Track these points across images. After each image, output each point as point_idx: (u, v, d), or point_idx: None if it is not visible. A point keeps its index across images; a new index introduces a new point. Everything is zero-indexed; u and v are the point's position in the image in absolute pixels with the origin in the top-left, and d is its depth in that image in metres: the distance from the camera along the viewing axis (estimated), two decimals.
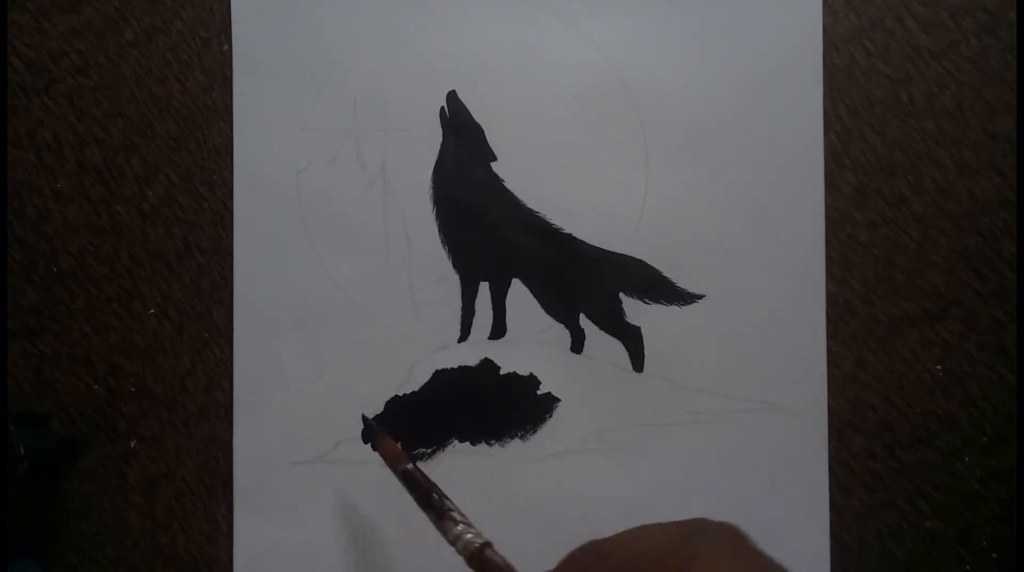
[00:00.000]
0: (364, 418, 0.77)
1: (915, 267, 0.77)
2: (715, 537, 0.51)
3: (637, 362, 0.77)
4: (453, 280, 0.78)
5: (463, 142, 0.77)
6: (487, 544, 0.59)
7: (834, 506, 0.77)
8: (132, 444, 0.78)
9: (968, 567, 0.77)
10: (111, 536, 0.78)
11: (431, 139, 0.78)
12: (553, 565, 0.55)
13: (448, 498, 0.65)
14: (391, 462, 0.69)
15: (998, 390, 0.77)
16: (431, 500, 0.64)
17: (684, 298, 0.77)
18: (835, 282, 0.77)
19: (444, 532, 0.62)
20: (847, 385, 0.77)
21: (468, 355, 0.78)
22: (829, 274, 0.77)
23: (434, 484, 0.66)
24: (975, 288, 0.77)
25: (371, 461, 0.76)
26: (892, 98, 0.77)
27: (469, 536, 0.60)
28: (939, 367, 0.77)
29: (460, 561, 0.65)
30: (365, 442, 0.77)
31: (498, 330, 0.78)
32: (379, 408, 0.77)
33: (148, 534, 0.78)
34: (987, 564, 0.77)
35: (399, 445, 0.71)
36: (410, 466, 0.68)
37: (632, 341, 0.77)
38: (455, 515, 0.62)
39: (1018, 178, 0.76)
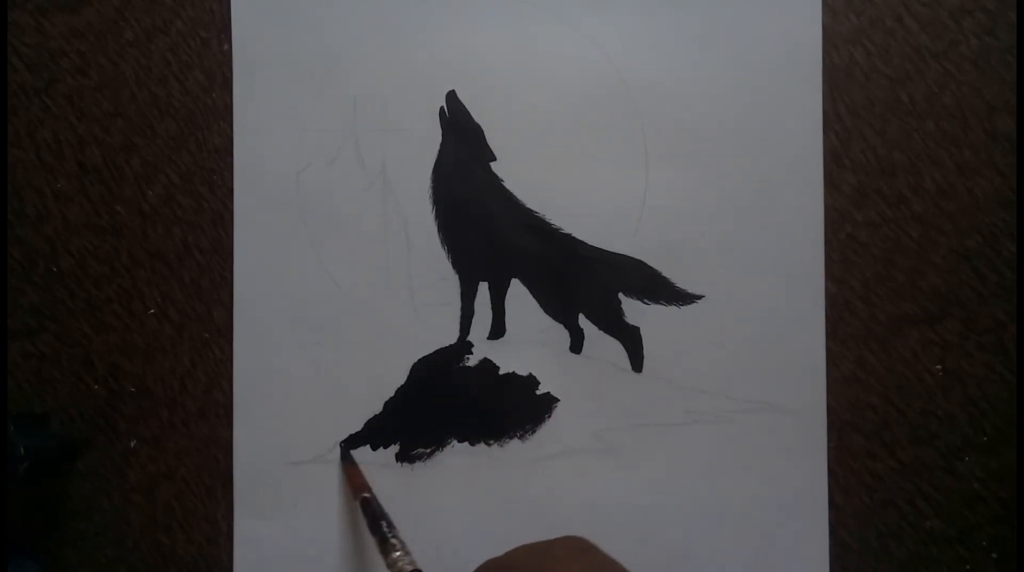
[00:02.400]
0: (342, 447, 0.78)
1: (915, 267, 0.77)
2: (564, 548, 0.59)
3: (636, 362, 0.77)
4: (452, 280, 0.78)
5: (462, 142, 0.77)
6: (417, 570, 0.66)
7: (834, 506, 0.77)
8: (132, 444, 0.78)
9: (968, 567, 0.77)
10: (111, 536, 0.78)
11: (431, 139, 0.78)
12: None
13: (395, 528, 0.71)
14: (356, 490, 0.75)
15: (998, 390, 0.77)
16: (379, 527, 0.71)
17: (683, 298, 0.77)
18: (835, 282, 0.77)
19: (384, 555, 0.68)
20: (847, 385, 0.77)
21: (467, 355, 0.78)
22: (829, 274, 0.77)
23: (385, 515, 0.72)
24: (975, 288, 0.77)
25: (371, 461, 0.77)
26: (892, 98, 0.77)
27: (406, 561, 0.67)
28: (939, 367, 0.77)
29: (457, 563, 0.66)
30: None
31: (497, 330, 0.78)
32: (378, 408, 0.77)
33: (148, 534, 0.78)
34: (987, 564, 0.77)
35: (363, 476, 0.76)
36: (369, 496, 0.74)
37: (631, 341, 0.77)
38: (395, 543, 0.69)
39: (1018, 178, 0.76)
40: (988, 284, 0.77)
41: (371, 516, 0.71)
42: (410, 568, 0.65)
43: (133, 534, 0.78)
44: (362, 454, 0.77)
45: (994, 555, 0.77)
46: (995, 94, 0.77)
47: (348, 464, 0.77)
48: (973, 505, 0.77)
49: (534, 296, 0.78)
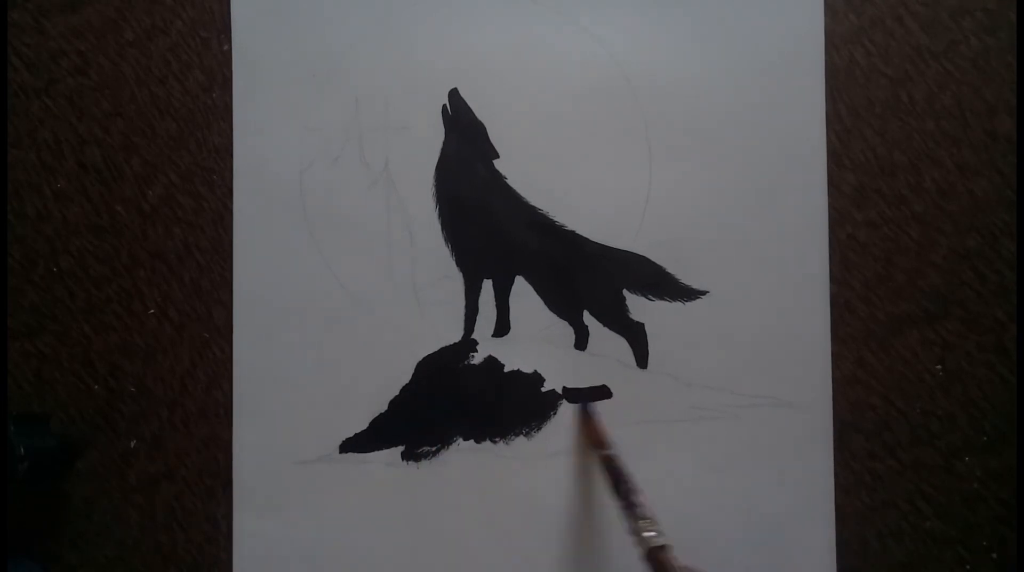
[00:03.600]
0: (578, 400, 0.78)
1: (915, 267, 0.77)
2: None
3: (641, 358, 0.77)
4: (456, 278, 0.78)
5: (465, 140, 0.77)
6: (667, 546, 0.62)
7: (835, 506, 0.77)
8: (132, 444, 0.78)
9: (968, 567, 0.77)
10: (111, 536, 0.78)
11: (433, 137, 0.78)
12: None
13: (641, 493, 0.68)
14: (596, 444, 0.73)
15: (998, 390, 0.77)
16: (623, 490, 0.68)
17: (687, 294, 0.77)
18: (835, 282, 0.77)
19: (629, 521, 0.65)
20: (847, 385, 0.77)
21: (472, 353, 0.78)
22: (829, 274, 0.77)
23: (630, 475, 0.69)
24: (975, 288, 0.77)
25: (374, 461, 0.77)
26: (892, 98, 0.77)
27: (652, 534, 0.63)
28: (939, 367, 0.77)
29: (461, 563, 0.66)
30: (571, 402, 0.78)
31: (502, 328, 0.78)
32: (383, 407, 0.77)
33: (148, 534, 0.78)
34: (987, 564, 0.77)
35: (604, 431, 0.75)
36: (612, 453, 0.72)
37: (636, 337, 0.77)
38: (643, 510, 0.65)
39: (1018, 178, 0.76)
40: (988, 284, 0.77)
41: (614, 477, 0.70)
42: (659, 542, 0.62)
43: (133, 534, 0.78)
44: (365, 454, 0.77)
45: (994, 555, 0.77)
46: (995, 94, 0.77)
47: (586, 416, 0.76)
48: (973, 505, 0.77)
49: (538, 293, 0.78)
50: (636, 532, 0.64)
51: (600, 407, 0.77)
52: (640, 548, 0.63)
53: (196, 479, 0.78)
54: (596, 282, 0.77)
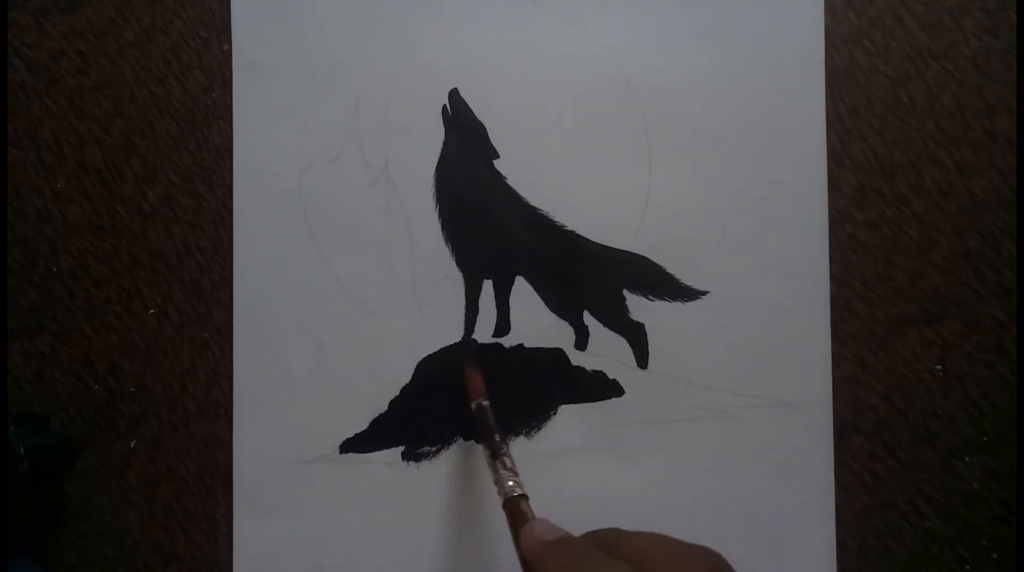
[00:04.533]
0: (471, 344, 0.78)
1: (915, 267, 0.77)
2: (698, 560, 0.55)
3: (641, 359, 0.77)
4: (456, 278, 0.77)
5: (465, 140, 0.77)
6: (524, 496, 0.65)
7: (835, 506, 0.77)
8: (132, 444, 0.78)
9: (968, 567, 0.77)
10: (111, 536, 0.77)
11: (433, 137, 0.78)
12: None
13: (507, 444, 0.70)
14: (472, 394, 0.74)
15: (998, 390, 0.77)
16: (491, 438, 0.70)
17: (688, 294, 0.77)
18: (835, 282, 0.77)
19: (493, 471, 0.68)
20: (847, 385, 0.77)
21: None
22: (830, 274, 0.77)
23: (500, 428, 0.71)
24: (975, 288, 0.77)
25: (374, 461, 0.76)
26: (892, 98, 0.77)
27: (511, 484, 0.66)
28: (939, 367, 0.77)
29: (462, 564, 0.66)
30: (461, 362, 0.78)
31: (502, 328, 0.77)
32: (383, 407, 0.77)
33: (148, 534, 0.77)
34: (987, 564, 0.77)
35: (484, 383, 0.75)
36: (485, 404, 0.73)
37: (636, 338, 0.77)
38: (507, 461, 0.68)
39: (1018, 178, 0.76)
40: (988, 284, 0.77)
41: (485, 425, 0.71)
42: (517, 492, 0.65)
43: (133, 534, 0.78)
44: (365, 454, 0.77)
45: (994, 555, 0.77)
46: (995, 94, 0.77)
47: (471, 367, 0.76)
48: (973, 505, 0.77)
49: (538, 293, 0.77)
50: (498, 482, 0.67)
51: (601, 407, 0.77)
52: (500, 497, 0.66)
53: (196, 479, 0.78)
54: (596, 282, 0.77)
